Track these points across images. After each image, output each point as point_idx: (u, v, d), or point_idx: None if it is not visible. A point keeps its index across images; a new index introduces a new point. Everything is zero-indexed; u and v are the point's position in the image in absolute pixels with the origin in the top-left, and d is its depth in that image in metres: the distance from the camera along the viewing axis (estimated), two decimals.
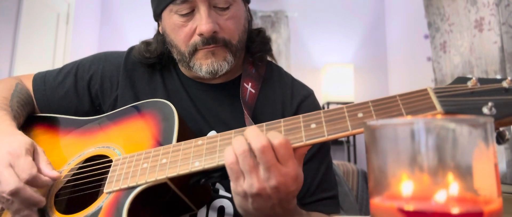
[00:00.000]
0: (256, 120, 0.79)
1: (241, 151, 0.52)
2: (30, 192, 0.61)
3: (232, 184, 0.55)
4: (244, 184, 0.53)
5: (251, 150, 0.52)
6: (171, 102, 0.72)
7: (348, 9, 3.96)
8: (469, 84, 0.49)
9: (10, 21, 2.69)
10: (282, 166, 0.52)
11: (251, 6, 0.88)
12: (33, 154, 0.66)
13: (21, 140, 0.66)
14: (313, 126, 0.55)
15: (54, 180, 0.65)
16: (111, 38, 3.75)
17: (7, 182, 0.60)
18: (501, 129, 0.46)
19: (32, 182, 0.62)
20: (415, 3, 3.30)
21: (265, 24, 3.82)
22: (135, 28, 3.62)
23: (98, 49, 3.69)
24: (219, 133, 0.61)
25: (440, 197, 0.29)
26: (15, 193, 0.60)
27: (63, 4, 3.26)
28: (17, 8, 2.74)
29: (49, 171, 0.65)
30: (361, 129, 0.51)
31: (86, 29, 3.60)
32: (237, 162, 0.53)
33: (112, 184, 0.63)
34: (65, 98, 0.88)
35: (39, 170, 0.64)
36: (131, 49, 0.91)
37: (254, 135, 0.53)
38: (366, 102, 0.54)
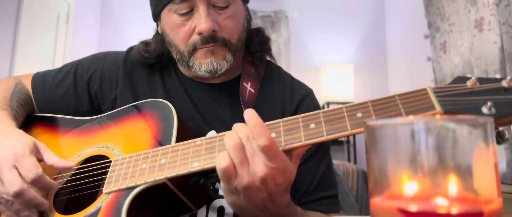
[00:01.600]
0: None
1: (233, 144, 0.52)
2: (34, 193, 0.61)
3: (222, 184, 0.55)
4: (235, 180, 0.53)
5: (241, 142, 0.53)
6: (170, 102, 0.71)
7: (348, 9, 3.96)
8: (469, 83, 0.49)
9: (10, 21, 2.69)
10: (267, 161, 0.52)
11: (251, 6, 0.88)
12: (36, 152, 0.66)
13: (24, 140, 0.66)
14: (312, 125, 0.54)
15: (69, 168, 0.65)
16: (111, 38, 3.75)
17: (11, 183, 0.59)
18: (500, 128, 0.46)
19: (37, 182, 0.62)
20: (415, 3, 3.30)
21: (265, 24, 3.82)
22: (135, 28, 3.62)
23: (98, 49, 3.69)
24: (218, 133, 0.60)
25: (440, 197, 0.29)
26: (18, 194, 0.59)
27: (63, 4, 3.26)
28: (17, 8, 2.74)
29: (61, 162, 0.65)
30: (361, 129, 0.51)
31: (86, 29, 3.60)
32: (232, 163, 0.53)
33: (111, 184, 0.62)
34: (64, 98, 0.88)
35: (51, 165, 0.65)
36: (130, 49, 0.91)
37: (241, 126, 0.54)
38: (365, 102, 0.53)
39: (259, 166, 0.51)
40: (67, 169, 0.68)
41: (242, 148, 0.53)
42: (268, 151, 0.51)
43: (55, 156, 0.67)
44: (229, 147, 0.53)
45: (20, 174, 0.61)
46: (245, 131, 0.53)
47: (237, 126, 0.55)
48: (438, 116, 0.46)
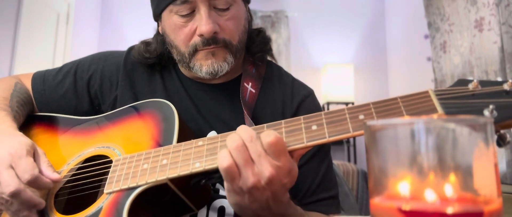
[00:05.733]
0: (256, 120, 0.79)
1: (235, 146, 0.53)
2: (30, 194, 0.61)
3: (226, 184, 0.55)
4: (240, 180, 0.53)
5: (244, 143, 0.53)
6: (171, 103, 0.71)
7: (348, 9, 3.96)
8: (470, 86, 0.49)
9: (10, 21, 2.69)
10: (274, 160, 0.52)
11: (251, 6, 0.88)
12: (34, 155, 0.66)
13: (22, 141, 0.65)
14: (314, 127, 0.54)
15: (55, 182, 0.65)
16: (111, 38, 3.75)
17: (7, 183, 0.59)
18: (502, 131, 0.46)
19: (33, 182, 0.61)
20: (415, 3, 3.30)
21: (265, 24, 3.81)
22: (135, 28, 3.62)
23: (98, 49, 3.68)
24: (219, 134, 0.61)
25: (440, 197, 0.29)
26: (15, 195, 0.59)
27: (63, 4, 3.26)
28: (17, 8, 2.74)
29: (50, 173, 0.64)
30: (362, 131, 0.51)
31: (86, 29, 3.60)
32: (235, 163, 0.53)
33: (112, 184, 0.63)
34: (64, 98, 0.88)
35: (40, 172, 0.64)
36: (131, 49, 0.91)
37: (244, 129, 0.55)
38: (367, 104, 0.53)
39: (266, 167, 0.52)
40: (55, 181, 0.66)
41: (245, 148, 0.53)
42: (276, 146, 0.52)
43: (46, 166, 0.65)
44: (231, 148, 0.53)
45: (17, 175, 0.61)
46: (248, 132, 0.54)
47: (240, 128, 0.55)
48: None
